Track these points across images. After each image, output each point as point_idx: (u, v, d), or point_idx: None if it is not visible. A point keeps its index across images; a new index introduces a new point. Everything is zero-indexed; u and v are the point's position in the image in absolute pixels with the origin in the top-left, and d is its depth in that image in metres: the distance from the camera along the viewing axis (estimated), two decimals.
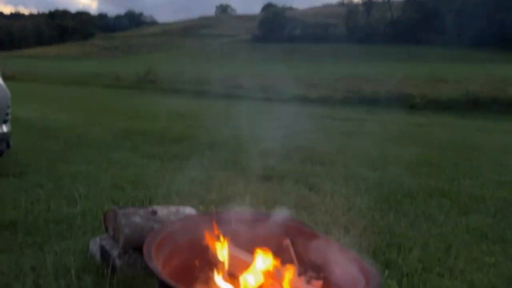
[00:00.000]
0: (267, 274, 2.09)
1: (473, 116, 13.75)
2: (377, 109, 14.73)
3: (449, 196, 4.64)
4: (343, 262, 2.12)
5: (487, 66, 28.73)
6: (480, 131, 10.92)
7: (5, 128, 4.43)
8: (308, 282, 2.13)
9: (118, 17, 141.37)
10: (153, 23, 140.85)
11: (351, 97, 16.65)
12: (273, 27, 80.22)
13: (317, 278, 2.14)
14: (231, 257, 2.19)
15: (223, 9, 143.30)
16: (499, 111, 14.11)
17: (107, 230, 2.70)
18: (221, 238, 2.19)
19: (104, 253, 2.55)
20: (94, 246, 2.65)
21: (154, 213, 2.68)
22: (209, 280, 2.17)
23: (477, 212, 4.14)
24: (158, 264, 1.89)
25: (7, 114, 4.55)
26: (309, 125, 10.88)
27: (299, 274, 2.15)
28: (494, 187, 5.11)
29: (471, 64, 33.46)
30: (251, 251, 2.30)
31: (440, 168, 6.21)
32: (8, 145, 4.60)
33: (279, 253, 2.28)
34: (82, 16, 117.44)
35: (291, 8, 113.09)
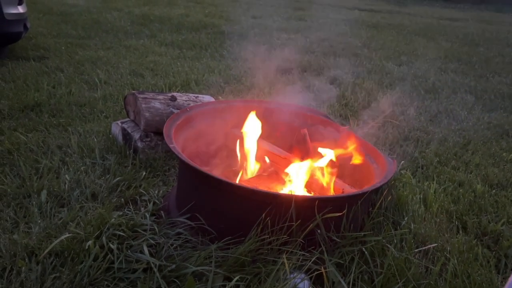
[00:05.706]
0: (283, 161, 2.14)
1: None
2: (409, 0, 13.73)
3: (474, 92, 4.50)
4: (359, 151, 2.14)
5: None
6: None
7: (21, 9, 4.30)
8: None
9: None
10: None
11: None
12: None
13: (332, 166, 2.18)
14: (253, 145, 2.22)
15: None
16: None
17: (128, 114, 2.74)
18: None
19: (126, 135, 2.62)
20: (116, 128, 2.72)
21: (174, 99, 2.69)
22: (227, 163, 2.24)
23: (501, 110, 4.04)
24: (177, 146, 1.93)
25: None
26: (334, 16, 10.32)
27: (315, 163, 2.18)
28: None
29: None
30: (270, 140, 2.33)
31: (469, 64, 5.94)
32: (26, 28, 4.51)
33: (297, 142, 2.31)
34: None
35: None
